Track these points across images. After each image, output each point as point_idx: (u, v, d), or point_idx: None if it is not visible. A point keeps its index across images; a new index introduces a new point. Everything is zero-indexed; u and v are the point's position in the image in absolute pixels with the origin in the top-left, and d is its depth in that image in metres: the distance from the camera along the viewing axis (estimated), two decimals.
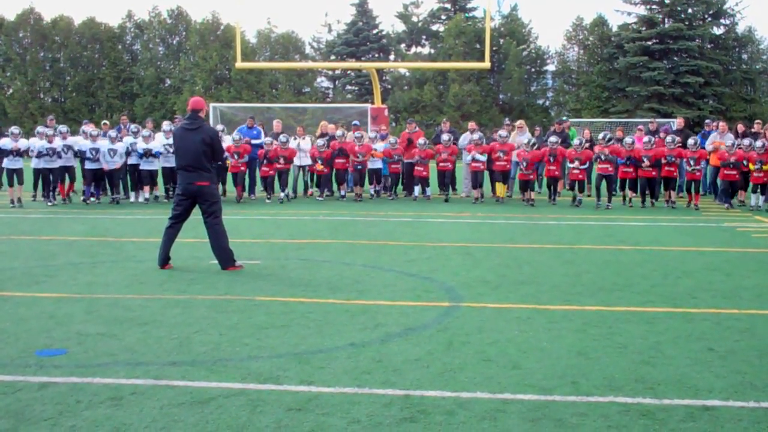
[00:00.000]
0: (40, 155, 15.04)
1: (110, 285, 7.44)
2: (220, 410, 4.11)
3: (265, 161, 16.16)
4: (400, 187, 17.74)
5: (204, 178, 8.27)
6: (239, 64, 25.54)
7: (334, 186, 17.08)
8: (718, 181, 15.59)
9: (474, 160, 16.16)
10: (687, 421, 3.98)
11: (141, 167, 15.82)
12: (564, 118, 23.80)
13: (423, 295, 6.99)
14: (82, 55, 52.54)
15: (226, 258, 8.25)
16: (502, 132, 16.39)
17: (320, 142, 16.57)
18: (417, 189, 16.83)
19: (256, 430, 3.86)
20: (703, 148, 15.59)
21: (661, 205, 15.37)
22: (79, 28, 52.48)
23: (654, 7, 47.23)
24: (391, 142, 16.91)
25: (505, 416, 4.04)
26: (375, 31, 52.86)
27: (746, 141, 15.28)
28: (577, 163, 15.14)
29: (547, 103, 51.89)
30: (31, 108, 49.62)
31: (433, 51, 51.79)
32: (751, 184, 15.23)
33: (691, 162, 14.92)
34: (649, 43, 45.80)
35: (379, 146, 16.87)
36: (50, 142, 15.06)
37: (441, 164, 16.62)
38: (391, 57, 53.07)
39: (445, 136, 16.83)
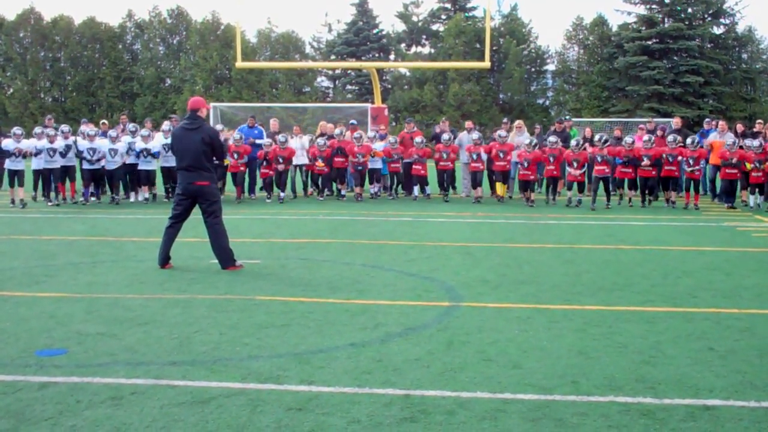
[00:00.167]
0: (38, 154, 14.99)
1: (110, 285, 7.44)
2: (221, 410, 4.11)
3: (264, 162, 16.16)
4: (399, 187, 17.73)
5: (204, 178, 8.27)
6: (239, 63, 25.52)
7: (334, 186, 17.08)
8: (719, 180, 15.57)
9: (473, 160, 16.15)
10: (687, 421, 3.98)
11: (139, 167, 15.82)
12: (566, 117, 23.77)
13: (423, 295, 6.99)
14: (83, 55, 52.53)
15: (226, 258, 8.25)
16: (501, 132, 16.38)
17: (321, 141, 16.58)
18: (416, 189, 16.84)
19: (257, 430, 3.86)
20: (702, 147, 15.57)
21: (661, 205, 15.37)
22: (79, 28, 52.47)
23: (654, 6, 47.22)
24: (391, 142, 16.91)
25: (505, 416, 4.04)
26: (375, 31, 52.85)
27: (748, 141, 15.24)
28: (575, 165, 15.09)
29: (547, 102, 51.87)
30: (32, 108, 49.61)
31: (433, 51, 51.79)
32: (749, 185, 15.20)
33: (690, 161, 14.91)
34: (649, 42, 45.78)
35: (379, 146, 16.86)
36: (52, 142, 15.03)
37: (441, 163, 16.62)
38: (391, 57, 53.06)
39: (445, 136, 16.83)
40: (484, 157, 16.07)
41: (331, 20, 71.47)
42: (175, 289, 7.23)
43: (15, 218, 13.39)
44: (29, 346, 5.30)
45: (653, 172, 15.12)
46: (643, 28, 46.38)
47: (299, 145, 16.89)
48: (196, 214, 8.57)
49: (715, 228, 12.26)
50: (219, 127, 16.83)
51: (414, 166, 16.65)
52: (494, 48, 47.14)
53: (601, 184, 14.99)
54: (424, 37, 53.73)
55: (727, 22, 47.80)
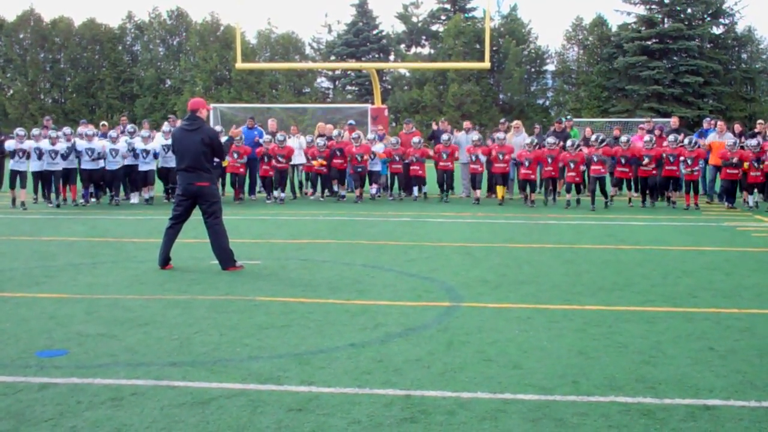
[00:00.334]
0: (41, 156, 14.97)
1: (111, 285, 7.44)
2: (221, 411, 4.11)
3: (265, 159, 16.11)
4: (397, 187, 17.71)
5: (204, 179, 8.27)
6: (239, 64, 25.53)
7: (335, 188, 17.06)
8: (719, 180, 15.55)
9: (473, 161, 16.13)
10: (688, 421, 3.98)
11: (139, 168, 15.82)
12: (567, 117, 23.77)
13: (423, 295, 6.99)
14: (83, 56, 52.52)
15: (226, 258, 8.25)
16: (500, 134, 16.37)
17: (320, 142, 16.57)
18: (416, 189, 16.83)
19: (257, 431, 3.86)
20: (700, 147, 15.56)
21: (662, 205, 15.36)
22: (79, 29, 52.44)
23: (653, 7, 47.23)
24: (393, 142, 16.90)
25: (505, 416, 4.04)
26: (375, 32, 52.85)
27: (749, 141, 15.21)
28: (572, 165, 15.05)
29: (547, 102, 51.87)
30: (32, 109, 49.59)
31: (432, 51, 51.80)
32: (748, 184, 15.19)
33: (689, 161, 14.90)
34: (649, 42, 45.79)
35: (379, 148, 16.85)
36: (54, 143, 15.01)
37: (441, 164, 16.62)
38: (391, 57, 53.07)
39: (445, 136, 16.82)
40: (483, 159, 16.05)
41: (331, 21, 71.31)
42: (175, 289, 7.23)
43: (15, 219, 13.40)
44: (29, 347, 5.30)
45: (654, 172, 15.12)
46: (643, 28, 46.38)
47: (296, 145, 16.90)
48: (197, 215, 8.57)
49: (715, 228, 12.26)
50: (218, 128, 16.83)
51: (412, 167, 16.65)
52: (494, 48, 47.15)
53: (598, 184, 14.99)
54: (424, 37, 53.74)
55: (727, 22, 47.82)
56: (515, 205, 15.59)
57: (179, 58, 52.51)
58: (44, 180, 15.53)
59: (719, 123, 16.55)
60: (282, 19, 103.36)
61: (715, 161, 15.69)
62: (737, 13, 47.58)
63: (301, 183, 17.66)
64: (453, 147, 16.66)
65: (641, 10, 47.58)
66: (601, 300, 6.84)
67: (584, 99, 48.49)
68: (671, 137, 15.35)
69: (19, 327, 5.85)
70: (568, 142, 15.48)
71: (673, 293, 7.13)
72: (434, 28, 53.37)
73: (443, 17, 52.68)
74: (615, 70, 47.06)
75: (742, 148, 14.99)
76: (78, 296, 6.95)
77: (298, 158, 16.96)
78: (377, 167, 16.85)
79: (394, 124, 39.83)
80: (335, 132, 17.06)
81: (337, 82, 53.82)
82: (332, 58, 51.45)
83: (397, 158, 16.69)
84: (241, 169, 16.21)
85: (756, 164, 14.64)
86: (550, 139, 15.60)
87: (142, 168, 15.84)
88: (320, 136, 17.42)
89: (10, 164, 15.26)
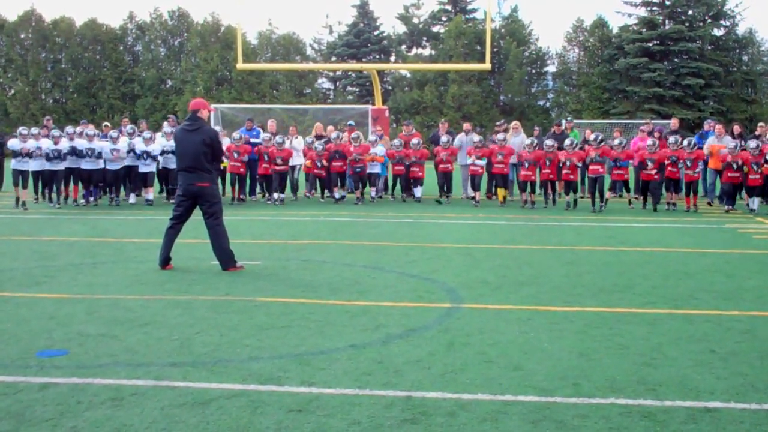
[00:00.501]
0: (48, 158, 14.92)
1: (111, 286, 7.44)
2: (221, 411, 4.11)
3: (266, 157, 16.08)
4: (398, 189, 17.70)
5: (204, 179, 8.28)
6: (240, 65, 25.56)
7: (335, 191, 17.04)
8: (719, 182, 15.53)
9: (473, 164, 16.11)
10: (688, 423, 3.98)
11: (140, 169, 15.81)
12: (568, 118, 23.75)
13: (424, 296, 6.99)
14: (84, 56, 52.49)
15: (226, 259, 8.25)
16: (500, 136, 16.35)
17: (318, 146, 16.51)
18: (417, 190, 16.82)
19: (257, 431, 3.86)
20: (701, 148, 15.54)
21: (662, 207, 15.35)
22: (80, 29, 52.43)
23: (654, 8, 47.22)
24: (396, 145, 16.89)
25: (506, 418, 4.04)
26: (376, 33, 52.83)
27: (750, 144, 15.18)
28: (568, 163, 14.99)
29: (548, 104, 51.83)
30: (33, 109, 49.56)
31: (433, 52, 51.76)
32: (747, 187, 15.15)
33: (688, 163, 14.88)
34: (650, 44, 45.76)
35: (380, 150, 16.83)
36: (56, 143, 14.99)
37: (442, 166, 16.60)
38: (392, 58, 53.03)
39: (444, 138, 16.82)
40: (484, 162, 16.02)
41: (332, 22, 71.50)
42: (175, 290, 7.23)
43: (15, 219, 13.40)
44: (30, 347, 5.30)
45: (656, 176, 15.07)
46: (644, 30, 46.35)
47: (296, 146, 16.88)
48: (197, 215, 8.57)
49: (716, 230, 12.25)
50: (218, 128, 16.83)
51: (411, 168, 16.64)
52: (495, 50, 47.12)
53: (596, 184, 14.97)
54: (425, 38, 53.73)
55: (728, 24, 47.77)
56: (516, 207, 15.58)
57: (180, 59, 52.52)
58: (44, 180, 15.51)
59: (717, 126, 16.45)
60: (283, 20, 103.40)
61: (714, 165, 15.67)
62: (738, 15, 47.53)
63: (297, 182, 17.61)
64: (453, 149, 16.66)
65: (642, 11, 47.57)
66: (602, 301, 6.83)
67: (585, 100, 48.46)
68: (671, 139, 15.33)
69: (20, 327, 5.85)
70: (566, 141, 15.43)
71: (674, 295, 7.12)
72: (435, 29, 53.35)
73: (444, 18, 52.66)
74: (616, 72, 47.04)
75: (743, 150, 14.97)
76: (78, 296, 6.95)
77: (297, 159, 16.94)
78: (376, 169, 16.84)
79: (394, 125, 39.83)
80: (334, 135, 17.04)
81: (337, 83, 53.81)
82: (333, 58, 51.45)
83: (397, 159, 16.67)
84: (242, 169, 16.21)
85: (755, 167, 14.61)
86: (549, 142, 15.56)
87: (143, 169, 15.83)
88: (318, 137, 17.39)
89: (12, 163, 15.24)
